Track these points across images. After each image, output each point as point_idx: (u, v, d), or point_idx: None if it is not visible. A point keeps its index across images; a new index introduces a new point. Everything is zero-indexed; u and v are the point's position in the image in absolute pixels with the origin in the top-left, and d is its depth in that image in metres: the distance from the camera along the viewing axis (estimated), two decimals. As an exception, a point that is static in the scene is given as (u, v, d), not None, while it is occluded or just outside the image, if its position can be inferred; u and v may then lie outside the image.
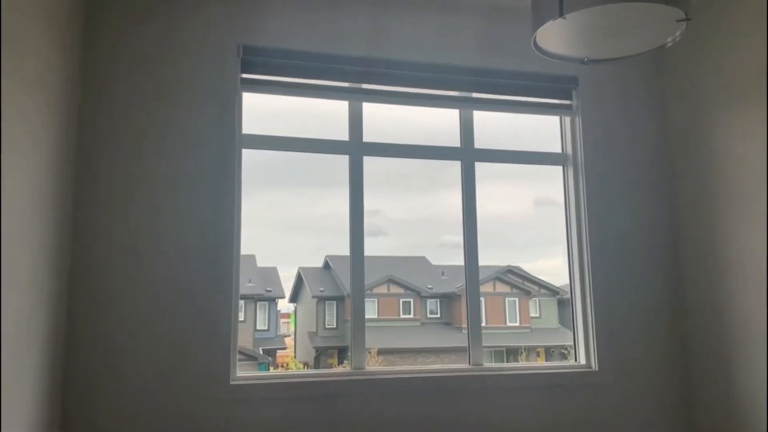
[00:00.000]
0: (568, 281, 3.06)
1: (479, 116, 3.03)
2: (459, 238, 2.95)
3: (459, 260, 2.91)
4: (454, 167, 2.99)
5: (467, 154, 2.98)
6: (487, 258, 2.93)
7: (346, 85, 2.82)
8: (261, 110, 2.79)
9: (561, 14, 1.79)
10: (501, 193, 3.14)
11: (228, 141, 2.61)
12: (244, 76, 2.69)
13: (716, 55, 2.86)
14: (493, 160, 3.01)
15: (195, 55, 2.64)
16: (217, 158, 2.60)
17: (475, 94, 2.97)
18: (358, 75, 2.82)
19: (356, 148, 2.83)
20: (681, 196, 3.06)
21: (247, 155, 2.72)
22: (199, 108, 2.61)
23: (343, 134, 2.85)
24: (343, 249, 2.78)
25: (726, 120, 2.80)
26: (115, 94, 2.54)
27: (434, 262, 3.99)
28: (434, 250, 3.75)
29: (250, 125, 2.73)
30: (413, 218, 3.24)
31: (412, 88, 2.88)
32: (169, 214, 2.52)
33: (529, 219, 3.40)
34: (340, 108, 2.86)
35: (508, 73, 2.98)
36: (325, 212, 3.06)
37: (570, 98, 3.09)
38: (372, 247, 2.77)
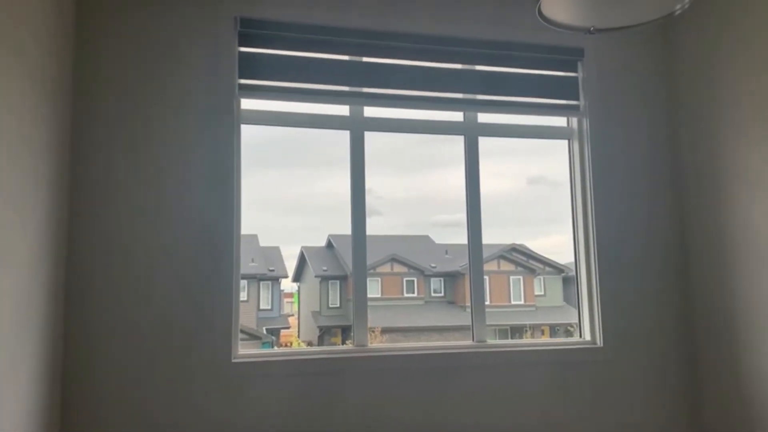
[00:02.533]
0: (570, 258, 3.03)
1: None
2: (452, 217, 2.91)
3: (453, 239, 2.88)
4: (448, 146, 2.94)
5: (470, 129, 2.93)
6: (486, 236, 2.90)
7: (346, 58, 2.77)
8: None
9: (566, -20, 1.74)
10: (496, 170, 3.09)
11: (227, 117, 2.58)
12: (242, 49, 2.65)
13: (727, 26, 2.79)
14: (497, 134, 2.96)
15: (191, 29, 2.59)
16: (216, 135, 2.56)
17: (478, 67, 2.91)
18: (361, 50, 2.77)
19: (357, 123, 2.79)
20: (688, 171, 3.01)
21: (248, 134, 2.68)
22: (198, 85, 2.57)
23: (343, 110, 2.80)
24: (346, 228, 2.76)
25: (736, 95, 2.74)
26: (109, 72, 2.50)
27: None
28: (427, 229, 3.72)
29: (248, 103, 2.69)
30: (407, 198, 3.20)
31: (417, 62, 2.82)
32: (167, 194, 2.49)
33: (526, 197, 3.36)
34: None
35: (513, 45, 2.92)
36: (328, 191, 3.03)
37: (575, 70, 3.03)
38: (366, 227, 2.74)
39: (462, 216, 2.90)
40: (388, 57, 2.80)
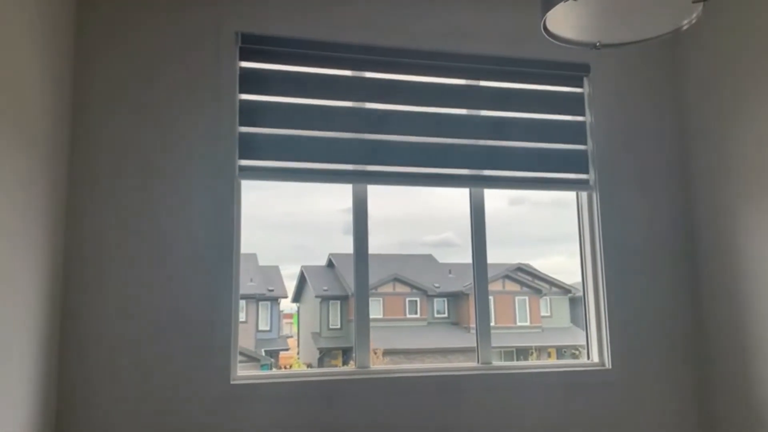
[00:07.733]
0: (571, 279, 2.97)
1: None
2: (439, 237, 2.86)
3: (442, 259, 2.82)
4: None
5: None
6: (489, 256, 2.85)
7: (348, 73, 2.75)
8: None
9: (572, -5, 1.71)
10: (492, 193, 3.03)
11: (228, 139, 2.54)
12: (243, 65, 2.63)
13: (737, 40, 2.76)
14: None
15: (192, 48, 2.57)
16: (216, 155, 2.53)
17: (482, 82, 2.88)
18: (360, 64, 2.75)
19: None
20: (698, 190, 2.96)
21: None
22: (197, 99, 2.55)
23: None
24: (346, 247, 2.71)
25: (750, 111, 2.70)
26: (109, 94, 2.48)
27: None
28: (416, 248, 3.62)
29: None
30: (395, 217, 3.13)
31: (419, 106, 2.80)
32: (166, 212, 2.45)
33: (509, 218, 3.31)
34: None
35: (519, 61, 2.90)
36: (329, 207, 2.98)
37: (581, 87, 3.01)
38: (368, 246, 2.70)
39: (449, 235, 2.86)
40: (391, 72, 2.77)
